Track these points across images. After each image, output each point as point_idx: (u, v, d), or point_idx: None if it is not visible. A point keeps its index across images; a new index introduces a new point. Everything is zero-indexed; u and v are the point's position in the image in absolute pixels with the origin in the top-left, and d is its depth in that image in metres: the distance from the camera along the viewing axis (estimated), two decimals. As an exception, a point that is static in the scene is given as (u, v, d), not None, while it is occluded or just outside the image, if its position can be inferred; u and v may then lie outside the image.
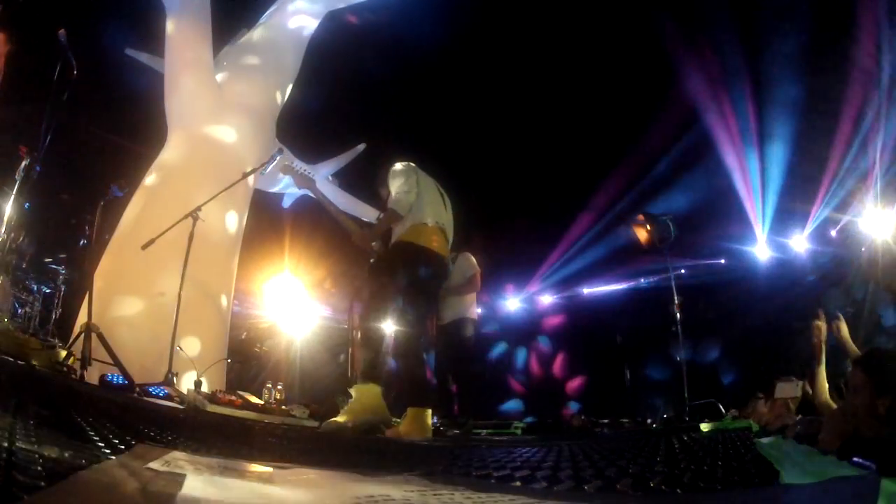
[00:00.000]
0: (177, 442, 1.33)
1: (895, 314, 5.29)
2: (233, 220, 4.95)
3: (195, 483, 0.87)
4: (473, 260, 5.17)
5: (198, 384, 3.66)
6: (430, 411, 2.89)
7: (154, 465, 0.94)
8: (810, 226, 7.53)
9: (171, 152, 4.90)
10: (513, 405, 9.92)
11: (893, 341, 5.13)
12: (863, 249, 5.44)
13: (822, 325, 3.05)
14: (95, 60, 5.12)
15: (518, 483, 1.21)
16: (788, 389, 3.82)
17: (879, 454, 1.10)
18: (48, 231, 5.92)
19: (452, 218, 3.48)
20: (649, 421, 6.53)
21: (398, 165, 3.32)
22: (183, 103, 5.01)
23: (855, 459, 1.15)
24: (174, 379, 3.43)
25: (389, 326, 3.12)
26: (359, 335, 3.11)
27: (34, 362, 2.68)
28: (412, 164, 3.35)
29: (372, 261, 3.34)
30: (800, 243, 7.76)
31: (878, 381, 1.77)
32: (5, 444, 0.75)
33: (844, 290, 6.00)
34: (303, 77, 5.83)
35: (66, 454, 0.84)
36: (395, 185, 3.23)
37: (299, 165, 5.44)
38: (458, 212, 3.52)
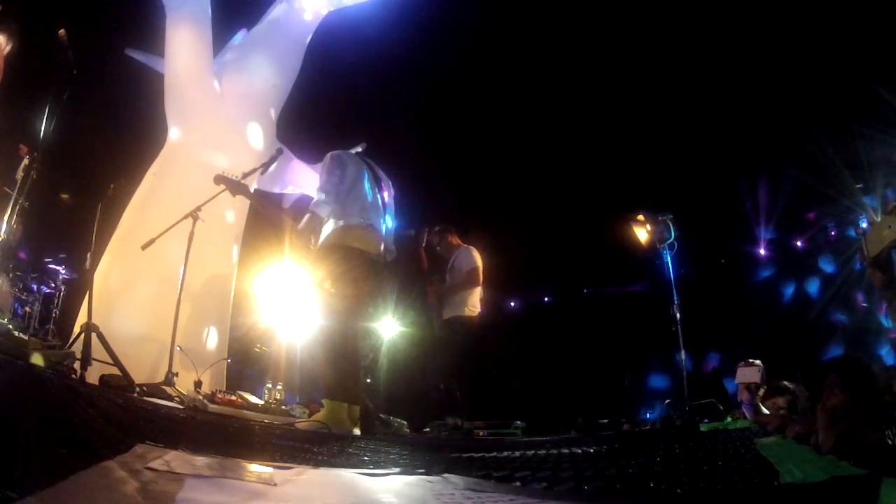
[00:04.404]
0: (177, 442, 1.33)
1: None
2: (232, 220, 4.95)
3: (195, 483, 0.87)
4: (475, 254, 4.90)
5: (198, 384, 3.66)
6: (346, 406, 2.87)
7: (154, 465, 0.94)
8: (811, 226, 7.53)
9: (170, 152, 4.90)
10: (513, 405, 9.91)
11: None
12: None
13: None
14: (95, 60, 5.11)
15: (518, 483, 1.21)
16: (749, 374, 3.73)
17: (874, 455, 1.11)
18: (48, 231, 5.92)
19: (392, 203, 3.43)
20: (649, 420, 6.52)
21: (327, 158, 3.26)
22: (182, 103, 5.00)
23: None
24: (174, 379, 3.42)
25: (365, 335, 3.08)
26: (322, 346, 3.05)
27: (34, 362, 2.68)
28: (341, 154, 3.28)
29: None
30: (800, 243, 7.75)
31: (853, 387, 1.78)
32: (6, 444, 0.74)
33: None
34: (302, 77, 5.82)
35: (66, 454, 0.84)
36: (320, 182, 3.18)
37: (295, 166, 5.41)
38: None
